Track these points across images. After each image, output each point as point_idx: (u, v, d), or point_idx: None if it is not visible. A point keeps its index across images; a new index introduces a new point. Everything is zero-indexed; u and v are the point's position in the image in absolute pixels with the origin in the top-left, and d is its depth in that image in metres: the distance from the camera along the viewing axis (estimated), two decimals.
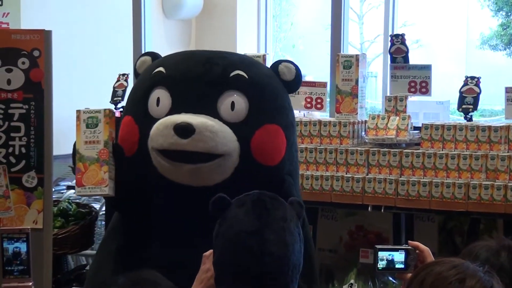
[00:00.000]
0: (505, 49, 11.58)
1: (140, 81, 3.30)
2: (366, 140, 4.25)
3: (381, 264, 2.75)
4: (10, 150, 3.67)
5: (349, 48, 4.99)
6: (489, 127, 3.94)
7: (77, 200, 4.49)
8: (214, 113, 3.05)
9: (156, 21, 7.25)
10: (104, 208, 4.76)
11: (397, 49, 4.40)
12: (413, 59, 4.46)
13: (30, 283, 3.27)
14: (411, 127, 4.20)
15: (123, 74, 4.91)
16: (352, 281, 4.18)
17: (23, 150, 3.67)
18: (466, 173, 3.93)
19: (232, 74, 3.11)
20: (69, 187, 4.97)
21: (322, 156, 4.22)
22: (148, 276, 2.34)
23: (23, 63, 3.68)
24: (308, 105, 4.50)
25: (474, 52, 12.16)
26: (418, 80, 4.35)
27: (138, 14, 5.49)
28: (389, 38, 4.51)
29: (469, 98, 4.17)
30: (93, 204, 4.59)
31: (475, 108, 4.15)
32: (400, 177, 4.06)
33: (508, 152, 3.90)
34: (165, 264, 3.03)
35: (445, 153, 3.98)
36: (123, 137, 3.20)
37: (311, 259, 3.24)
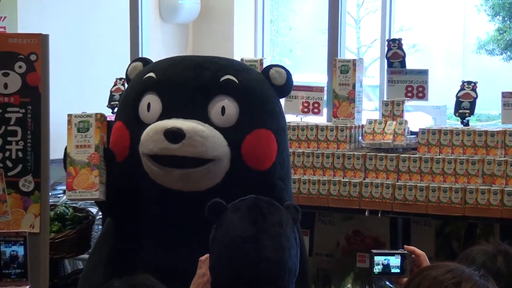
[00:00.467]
0: (501, 53, 11.60)
1: (131, 86, 3.30)
2: (363, 145, 4.26)
3: (377, 269, 2.76)
4: (7, 154, 3.67)
5: (346, 53, 4.99)
6: (486, 132, 3.95)
7: (74, 205, 4.48)
8: (204, 118, 3.05)
9: (153, 25, 7.25)
10: (101, 213, 4.75)
11: (394, 54, 4.41)
12: (410, 64, 4.46)
13: (28, 287, 3.27)
14: (408, 132, 4.20)
15: (120, 78, 4.91)
16: (349, 285, 4.19)
17: (20, 154, 3.67)
18: (463, 177, 3.94)
19: (222, 79, 3.12)
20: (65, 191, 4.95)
21: (319, 161, 4.23)
22: (144, 280, 2.34)
23: (20, 67, 3.68)
24: (305, 110, 4.51)
25: (470, 57, 12.18)
26: (415, 85, 4.35)
27: (135, 18, 5.49)
28: (386, 43, 4.51)
29: (465, 102, 4.17)
30: (90, 209, 4.58)
31: (471, 112, 4.16)
32: (397, 181, 4.06)
33: (504, 157, 3.91)
34: (158, 269, 3.03)
35: (442, 158, 3.98)
36: (115, 142, 3.20)
37: (304, 263, 3.24)
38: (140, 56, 5.48)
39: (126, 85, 4.76)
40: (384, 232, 4.33)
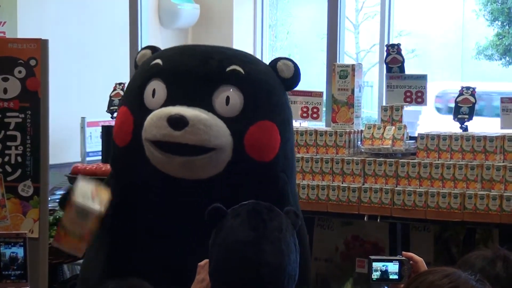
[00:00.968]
0: (500, 59, 11.61)
1: (138, 72, 3.30)
2: (362, 150, 4.26)
3: (375, 275, 2.76)
4: (6, 159, 3.67)
5: (345, 58, 4.99)
6: (485, 137, 3.96)
7: None
8: (208, 107, 3.04)
9: (153, 30, 7.25)
10: None
11: (393, 59, 4.42)
12: (409, 69, 4.47)
13: None
14: (407, 137, 4.21)
15: (120, 83, 4.92)
16: None
17: (19, 159, 3.67)
18: (462, 183, 3.94)
19: (228, 69, 3.11)
20: None
21: (318, 166, 4.23)
22: (137, 284, 2.35)
23: (20, 72, 3.69)
24: (304, 115, 4.51)
25: (469, 62, 12.19)
26: (414, 90, 4.36)
27: (134, 23, 5.50)
28: (385, 48, 4.52)
29: (464, 108, 4.18)
30: None
31: (470, 117, 4.16)
32: (396, 186, 4.07)
33: (503, 162, 3.91)
34: (155, 265, 3.04)
35: (440, 163, 3.99)
36: (119, 126, 3.19)
37: (306, 265, 3.23)
38: None
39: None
40: (383, 237, 4.33)
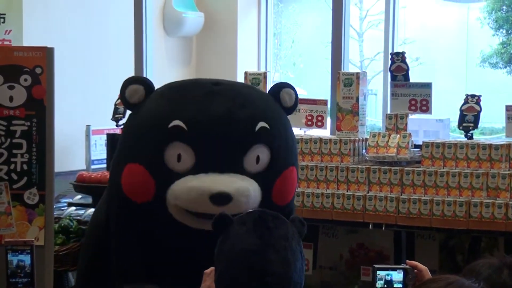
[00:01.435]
0: (505, 67, 11.59)
1: (148, 128, 3.08)
2: (367, 158, 4.26)
3: (379, 284, 2.76)
4: (12, 167, 3.68)
5: (349, 66, 5.00)
6: (490, 145, 3.95)
7: (78, 217, 4.49)
8: (240, 169, 3.03)
9: (157, 39, 7.27)
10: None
11: (398, 67, 4.42)
12: (413, 77, 4.47)
13: None
14: (411, 145, 4.20)
15: None
16: None
17: (25, 167, 3.68)
18: (467, 191, 3.94)
19: (257, 128, 3.06)
20: (70, 204, 4.97)
21: (323, 174, 4.23)
22: None
23: (25, 80, 3.70)
24: (309, 123, 4.51)
25: (474, 70, 12.17)
26: (419, 98, 4.36)
27: (139, 31, 5.52)
28: (390, 56, 4.52)
29: (469, 116, 4.18)
30: None
31: (475, 126, 4.16)
32: (401, 195, 4.06)
33: (509, 170, 3.91)
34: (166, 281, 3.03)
35: (446, 171, 3.98)
36: (134, 185, 3.05)
37: None
38: (143, 67, 5.49)
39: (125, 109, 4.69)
40: (388, 246, 4.32)
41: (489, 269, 2.44)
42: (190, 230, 3.05)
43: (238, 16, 7.91)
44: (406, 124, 4.23)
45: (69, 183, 4.97)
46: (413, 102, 4.36)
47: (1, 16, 5.75)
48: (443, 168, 4.02)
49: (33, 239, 3.40)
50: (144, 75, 5.35)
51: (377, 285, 2.76)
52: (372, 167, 4.15)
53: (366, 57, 12.32)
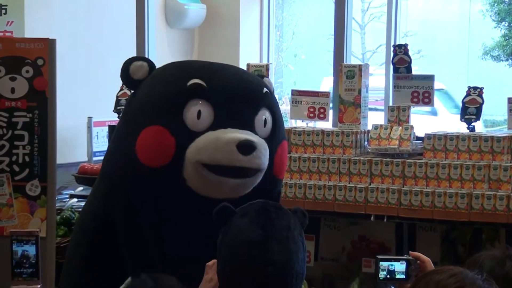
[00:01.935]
0: (507, 59, 11.59)
1: (164, 90, 3.10)
2: (369, 150, 4.26)
3: (382, 274, 2.76)
4: (14, 158, 3.68)
5: (351, 58, 4.99)
6: (492, 137, 3.95)
7: (80, 209, 4.49)
8: (252, 129, 3.08)
9: (159, 31, 7.26)
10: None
11: (400, 59, 4.41)
12: (414, 70, 4.47)
13: (39, 286, 3.26)
14: (414, 137, 4.20)
15: None
16: None
17: (27, 158, 3.68)
18: (469, 183, 3.94)
19: (264, 91, 3.16)
20: (72, 196, 4.98)
21: (324, 166, 4.23)
22: (170, 282, 2.35)
23: (27, 71, 3.70)
24: (311, 115, 4.51)
25: (476, 63, 12.17)
26: (421, 91, 4.35)
27: (141, 24, 5.51)
28: (392, 49, 4.52)
29: (471, 108, 4.18)
30: None
31: (477, 118, 4.16)
32: (403, 187, 4.07)
33: (510, 162, 3.91)
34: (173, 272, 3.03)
35: (447, 163, 3.98)
36: (154, 147, 3.02)
37: None
38: None
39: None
40: (390, 238, 4.33)
41: (492, 261, 2.45)
42: (204, 202, 3.03)
43: (240, 8, 7.91)
44: (409, 116, 4.23)
45: (71, 174, 4.97)
46: (415, 94, 4.36)
47: (3, 7, 5.74)
48: (445, 160, 4.02)
49: (38, 229, 3.40)
50: None
51: (379, 276, 2.76)
52: (374, 159, 4.15)
53: (368, 49, 12.31)
